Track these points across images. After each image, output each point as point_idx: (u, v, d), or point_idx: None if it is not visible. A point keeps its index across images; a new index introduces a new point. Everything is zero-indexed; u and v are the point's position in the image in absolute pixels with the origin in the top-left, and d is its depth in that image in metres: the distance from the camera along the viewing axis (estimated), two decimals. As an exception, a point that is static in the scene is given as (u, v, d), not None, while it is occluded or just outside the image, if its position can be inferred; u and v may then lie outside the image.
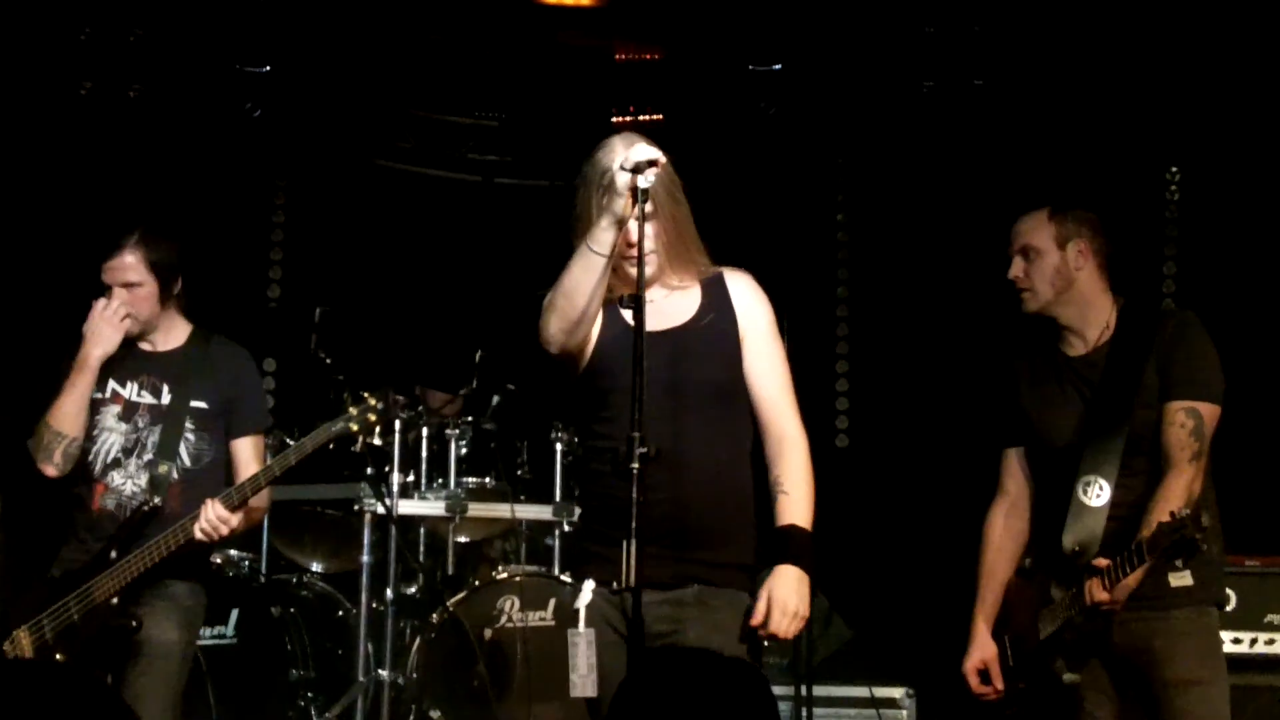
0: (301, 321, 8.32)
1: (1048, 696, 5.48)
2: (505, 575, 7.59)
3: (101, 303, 5.91)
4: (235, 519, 5.76)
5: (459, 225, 9.93)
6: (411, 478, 7.91)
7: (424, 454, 7.99)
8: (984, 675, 5.69)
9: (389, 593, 7.65)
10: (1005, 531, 5.77)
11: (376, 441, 5.82)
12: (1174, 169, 9.56)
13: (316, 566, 8.31)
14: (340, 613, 7.90)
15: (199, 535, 5.72)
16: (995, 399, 5.80)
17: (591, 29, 9.15)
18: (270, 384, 9.55)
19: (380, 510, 7.61)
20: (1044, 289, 5.62)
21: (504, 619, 7.44)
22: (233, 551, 7.87)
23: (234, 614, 7.40)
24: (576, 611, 4.69)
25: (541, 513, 7.94)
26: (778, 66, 9.24)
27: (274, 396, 9.47)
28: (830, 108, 9.43)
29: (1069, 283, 5.61)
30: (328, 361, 8.10)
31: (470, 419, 8.21)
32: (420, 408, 8.15)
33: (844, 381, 9.99)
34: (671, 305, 4.95)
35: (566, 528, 7.83)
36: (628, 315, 4.72)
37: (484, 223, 9.88)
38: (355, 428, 5.77)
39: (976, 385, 9.42)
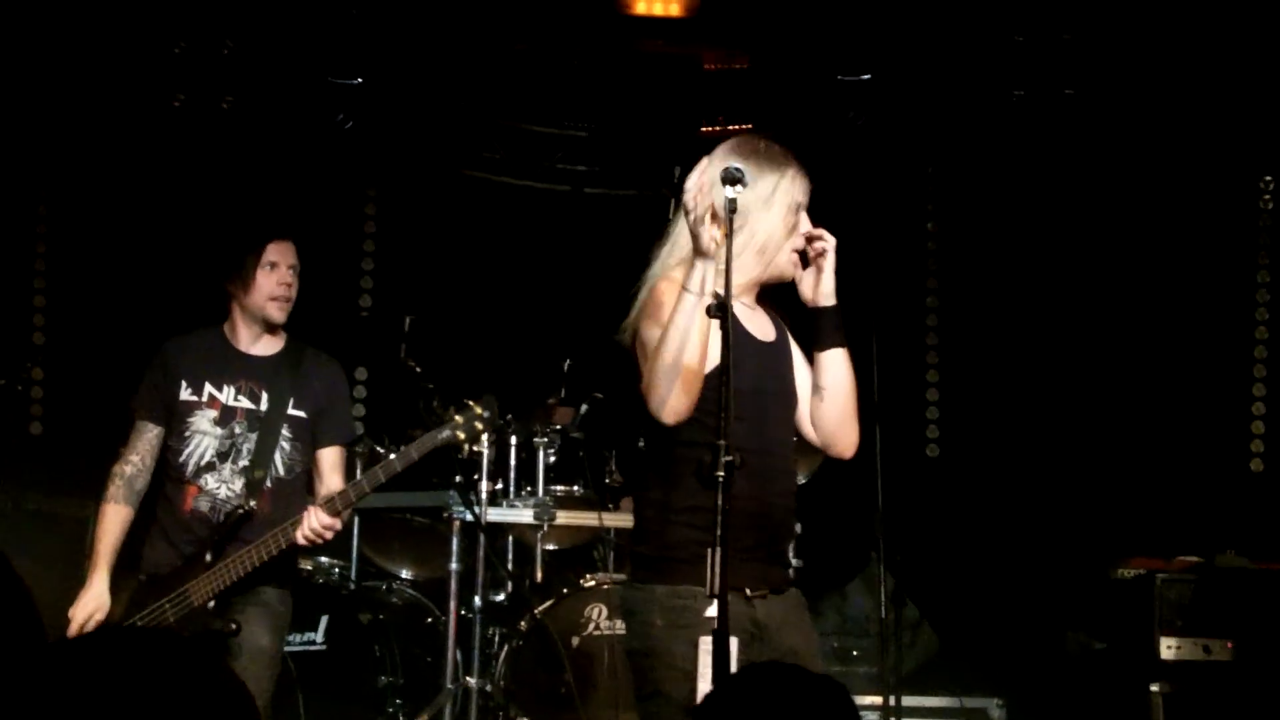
0: (392, 330, 8.36)
1: None
2: (593, 583, 7.59)
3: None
4: (338, 525, 5.78)
5: (547, 235, 9.96)
6: (500, 485, 7.93)
7: (512, 462, 8.01)
8: None
9: (477, 600, 7.65)
10: None
11: (483, 450, 5.72)
12: (1268, 177, 9.47)
13: (405, 574, 8.34)
14: (429, 620, 7.92)
15: (301, 541, 5.73)
16: None
17: (679, 39, 9.16)
18: (361, 392, 9.64)
19: (469, 518, 7.63)
20: None
21: (591, 627, 7.44)
22: (322, 558, 7.91)
23: (324, 620, 7.43)
24: (709, 620, 4.38)
25: (629, 521, 7.92)
26: (866, 76, 9.22)
27: (364, 405, 9.57)
28: (919, 117, 9.40)
29: None
30: (417, 370, 8.14)
31: (559, 427, 8.22)
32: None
33: (934, 391, 9.95)
34: (757, 318, 4.93)
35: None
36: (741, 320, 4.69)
37: (572, 232, 9.90)
38: (462, 435, 5.75)
39: (1066, 394, 9.45)
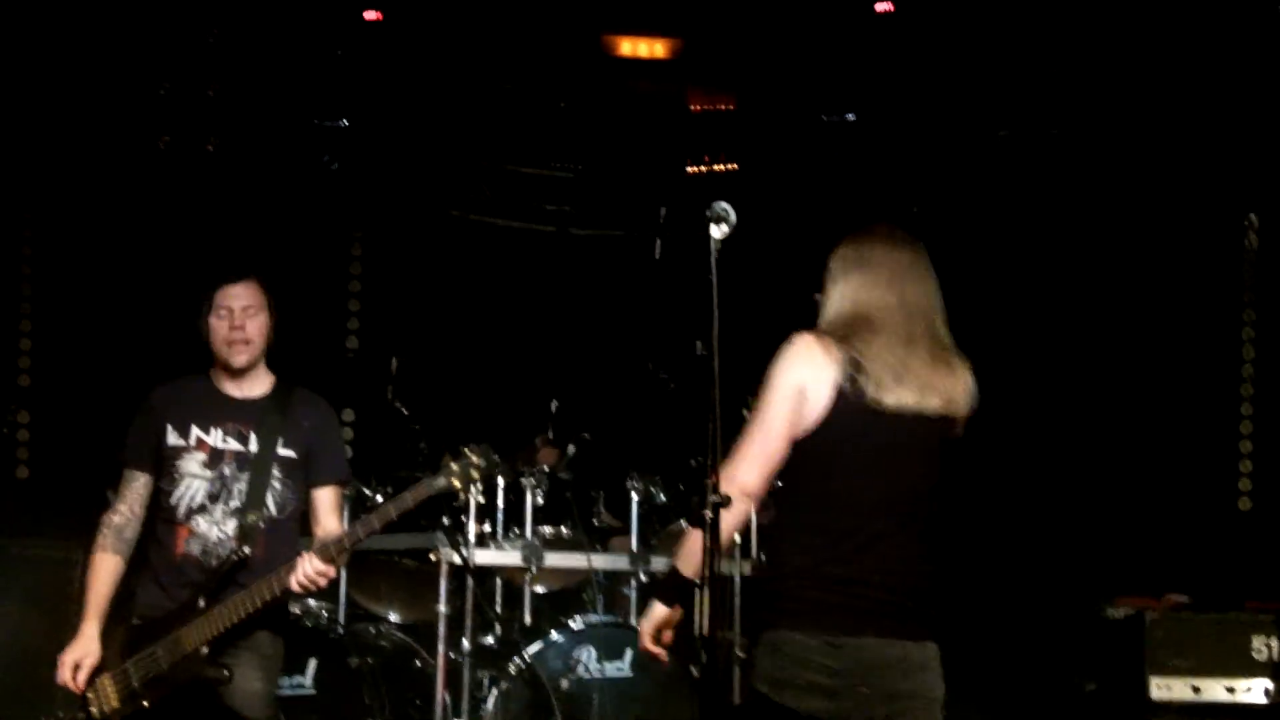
0: (379, 372, 8.36)
1: None
2: (582, 625, 7.56)
3: None
4: (332, 571, 5.71)
5: (534, 275, 9.96)
6: (488, 527, 7.90)
7: (500, 503, 7.99)
8: None
9: (465, 643, 7.62)
10: None
11: (478, 498, 5.71)
12: (1253, 216, 9.50)
13: (394, 616, 8.31)
14: (417, 663, 7.89)
15: (295, 588, 5.67)
16: None
17: (665, 80, 9.19)
18: (348, 434, 9.61)
19: (457, 560, 7.60)
20: None
21: (581, 669, 7.41)
22: (311, 601, 7.87)
23: (312, 664, 7.39)
24: None
25: (618, 562, 7.93)
26: (851, 116, 9.24)
27: (351, 446, 9.53)
28: (904, 157, 9.42)
29: None
30: (404, 411, 8.14)
31: (546, 468, 8.20)
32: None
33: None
34: None
35: (643, 577, 7.81)
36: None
37: (559, 273, 9.91)
38: (458, 484, 5.65)
39: (1055, 433, 9.46)
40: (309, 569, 5.62)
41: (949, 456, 4.95)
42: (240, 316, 5.97)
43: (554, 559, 7.85)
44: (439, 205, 9.89)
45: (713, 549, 4.43)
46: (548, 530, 8.02)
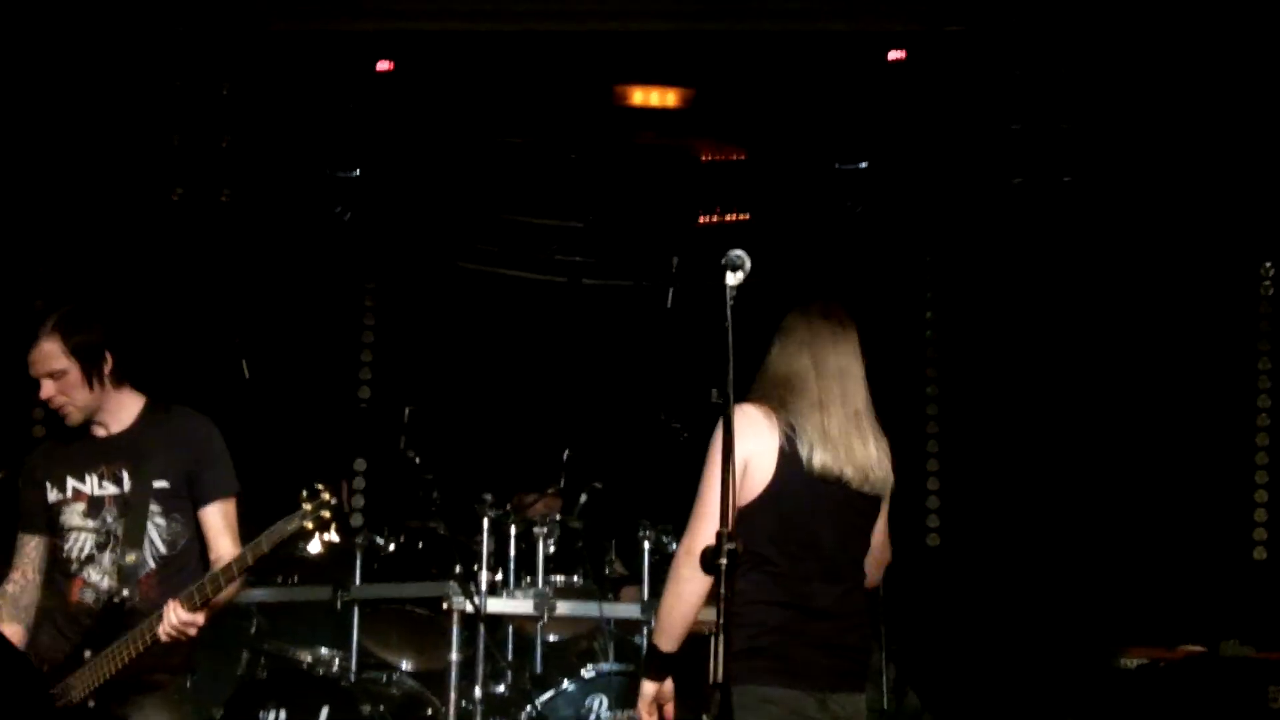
0: (391, 421, 8.35)
1: None
2: (593, 673, 7.53)
3: None
4: (200, 618, 5.52)
5: (545, 326, 9.96)
6: (500, 576, 7.88)
7: (512, 552, 7.97)
8: None
9: (477, 691, 7.59)
10: None
11: (334, 538, 5.44)
12: (1269, 264, 9.49)
13: (405, 665, 8.28)
14: (429, 711, 7.85)
15: (164, 639, 5.50)
16: None
17: (675, 130, 9.21)
18: (360, 483, 9.60)
19: (469, 608, 7.58)
20: None
21: (592, 718, 7.38)
22: (323, 650, 7.86)
23: (324, 712, 7.37)
24: None
25: (630, 611, 7.90)
26: (864, 165, 9.25)
27: (363, 495, 9.54)
28: (917, 205, 9.43)
29: None
30: (416, 461, 8.12)
31: (558, 517, 8.18)
32: (509, 506, 8.13)
33: (934, 480, 9.92)
34: None
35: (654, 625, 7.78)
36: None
37: (570, 323, 9.91)
38: (310, 525, 5.42)
39: (1068, 482, 9.43)
40: (174, 619, 5.48)
41: (872, 519, 5.23)
42: (44, 389, 5.82)
43: (565, 608, 7.83)
44: (450, 256, 9.89)
45: (728, 595, 4.42)
46: (559, 579, 8.00)
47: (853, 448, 5.06)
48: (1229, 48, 8.20)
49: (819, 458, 5.00)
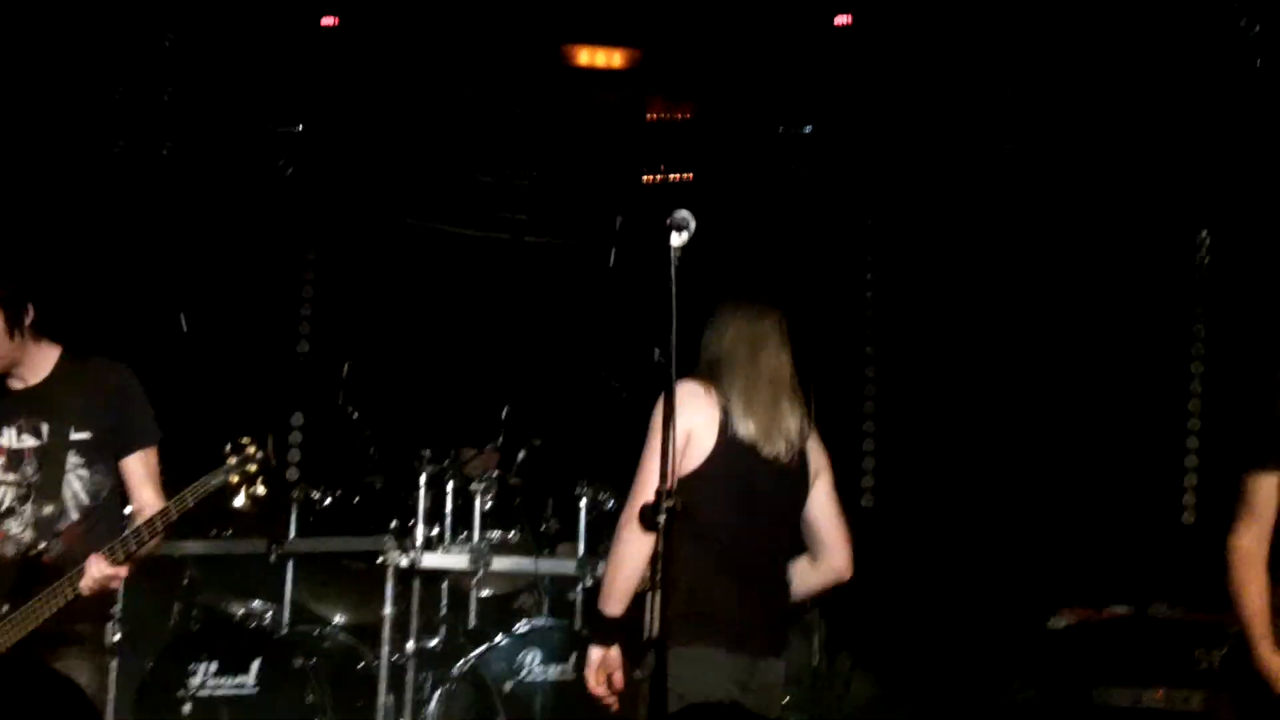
0: (330, 376, 8.35)
1: None
2: (528, 629, 7.57)
3: None
4: (123, 571, 5.50)
5: (487, 282, 9.96)
6: (436, 531, 7.90)
7: (449, 507, 7.98)
8: None
9: (410, 645, 7.63)
10: (1261, 560, 5.37)
11: (260, 492, 5.41)
12: (1205, 232, 9.55)
13: (339, 618, 8.29)
14: (362, 664, 7.87)
15: (86, 593, 5.49)
16: (1257, 417, 5.47)
17: (623, 89, 9.22)
18: (297, 438, 9.60)
19: (404, 563, 7.61)
20: None
21: (525, 672, 7.42)
22: (255, 602, 7.87)
23: (255, 664, 7.38)
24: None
25: (564, 567, 7.93)
26: (808, 128, 9.28)
27: (300, 450, 9.54)
28: (860, 170, 9.47)
29: None
30: (355, 415, 8.13)
31: (496, 473, 8.20)
32: (447, 462, 8.13)
33: (870, 442, 9.99)
34: None
35: (589, 582, 7.81)
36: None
37: (512, 280, 9.92)
38: (235, 479, 5.45)
39: (1002, 444, 9.50)
40: (95, 573, 5.46)
41: (804, 488, 5.52)
42: None
43: (501, 563, 7.86)
44: (393, 211, 9.89)
45: (666, 554, 4.51)
46: (495, 535, 8.02)
47: (780, 420, 5.36)
48: (1168, 18, 8.25)
49: (751, 430, 5.28)
